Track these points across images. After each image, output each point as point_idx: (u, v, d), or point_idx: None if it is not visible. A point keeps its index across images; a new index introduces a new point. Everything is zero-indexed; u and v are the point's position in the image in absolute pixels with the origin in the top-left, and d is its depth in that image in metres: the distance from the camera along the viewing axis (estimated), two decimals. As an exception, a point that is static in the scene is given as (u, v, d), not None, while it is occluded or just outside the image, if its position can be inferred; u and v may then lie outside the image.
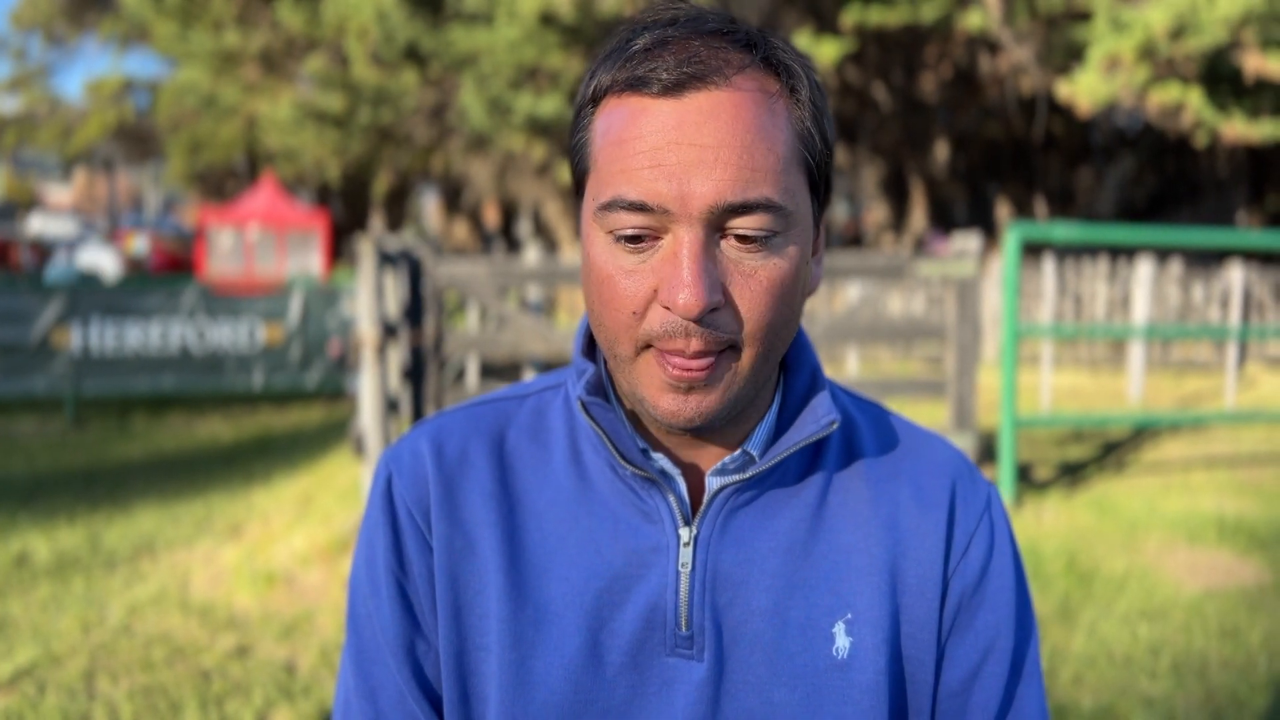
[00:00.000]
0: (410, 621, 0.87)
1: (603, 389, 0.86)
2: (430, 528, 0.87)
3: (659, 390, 0.77)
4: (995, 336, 12.13)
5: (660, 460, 0.84)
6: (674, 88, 0.74)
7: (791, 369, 0.89)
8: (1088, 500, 5.92)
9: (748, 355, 0.76)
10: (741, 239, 0.75)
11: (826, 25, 14.09)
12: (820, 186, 0.82)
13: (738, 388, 0.77)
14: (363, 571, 0.90)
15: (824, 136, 0.81)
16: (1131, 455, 7.19)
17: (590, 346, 0.90)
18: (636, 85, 0.75)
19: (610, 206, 0.75)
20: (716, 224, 0.74)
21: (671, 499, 0.83)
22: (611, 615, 0.83)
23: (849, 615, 0.83)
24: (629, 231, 0.75)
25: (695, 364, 0.75)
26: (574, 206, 0.86)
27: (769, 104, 0.76)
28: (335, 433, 8.30)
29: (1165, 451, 7.31)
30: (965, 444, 5.38)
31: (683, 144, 0.73)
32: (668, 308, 0.74)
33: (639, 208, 0.74)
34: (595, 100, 0.79)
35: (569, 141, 0.84)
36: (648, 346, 0.76)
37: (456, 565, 0.86)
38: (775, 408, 0.87)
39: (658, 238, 0.75)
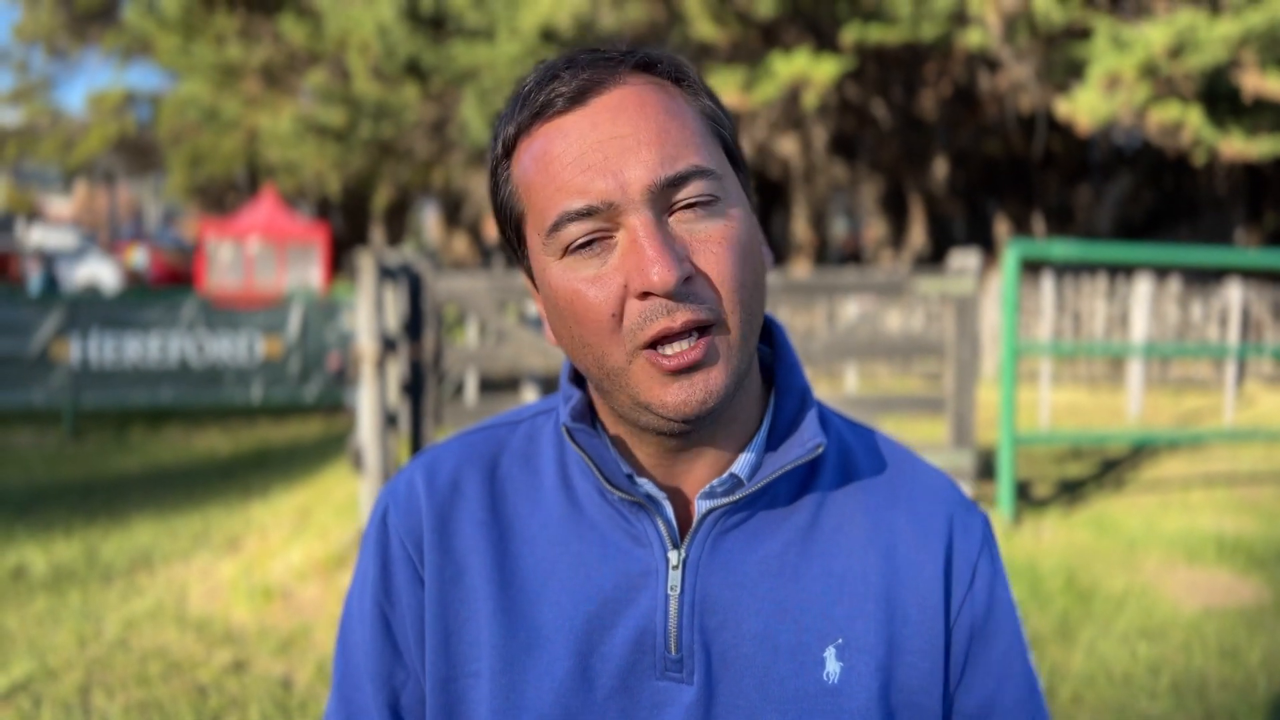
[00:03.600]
0: (391, 651, 0.89)
1: (588, 415, 0.87)
2: (423, 558, 0.88)
3: (662, 386, 0.77)
4: (994, 353, 12.13)
5: (646, 485, 0.84)
6: (577, 98, 0.77)
7: (781, 391, 0.89)
8: (1086, 518, 5.91)
9: (732, 323, 0.77)
10: (687, 206, 0.76)
11: (826, 43, 14.14)
12: (740, 163, 0.85)
13: (735, 360, 0.78)
14: (354, 600, 0.92)
15: (727, 116, 0.84)
16: (1130, 473, 7.18)
17: (577, 373, 0.91)
18: (542, 113, 0.78)
19: (558, 225, 0.77)
20: (660, 203, 0.76)
21: (660, 523, 0.84)
22: (601, 639, 0.83)
23: (840, 640, 0.83)
24: (583, 239, 0.76)
25: (690, 347, 0.75)
26: (520, 266, 0.88)
27: (665, 90, 0.80)
28: (333, 447, 8.29)
29: (1164, 469, 7.30)
30: (964, 461, 5.37)
31: (603, 140, 0.76)
32: (645, 293, 0.74)
33: (586, 213, 0.75)
34: (509, 152, 0.82)
35: (494, 205, 0.86)
36: (638, 350, 0.76)
37: (446, 593, 0.86)
38: (765, 430, 0.87)
39: (610, 236, 0.76)
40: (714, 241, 0.77)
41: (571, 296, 0.77)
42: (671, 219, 0.76)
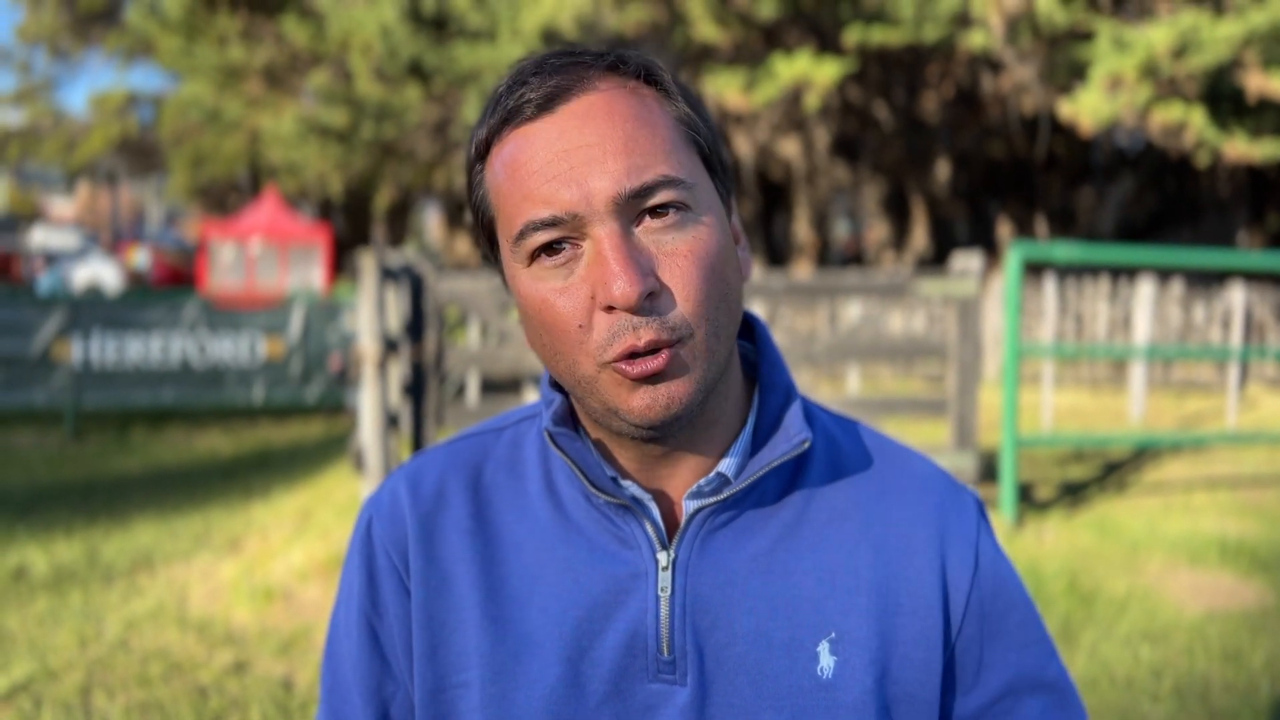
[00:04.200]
0: (379, 662, 0.89)
1: (570, 419, 0.87)
2: (408, 568, 0.88)
3: (628, 393, 0.76)
4: (996, 355, 12.12)
5: (630, 487, 0.84)
6: (545, 105, 0.77)
7: (765, 389, 0.89)
8: (1089, 520, 5.90)
9: (699, 335, 0.76)
10: (654, 214, 0.76)
11: (828, 44, 14.14)
12: (717, 168, 0.84)
13: (701, 370, 0.77)
14: (341, 611, 0.92)
15: (705, 120, 0.83)
16: (1133, 475, 7.17)
17: None
18: (511, 118, 0.78)
19: (523, 234, 0.77)
20: (628, 214, 0.75)
21: (647, 524, 0.83)
22: (592, 643, 0.83)
23: (833, 634, 0.83)
24: (545, 242, 0.76)
25: (654, 357, 0.75)
26: (497, 270, 0.87)
27: (637, 95, 0.79)
28: (335, 448, 8.29)
29: (1167, 472, 7.29)
30: (966, 463, 5.37)
31: (570, 149, 0.75)
32: (610, 307, 0.74)
33: (551, 223, 0.75)
34: (482, 156, 0.82)
35: (470, 208, 0.86)
36: (605, 364, 0.76)
37: (433, 603, 0.86)
38: (750, 427, 0.87)
39: (577, 246, 0.76)
40: (681, 255, 0.76)
41: (540, 306, 0.77)
42: (639, 229, 0.76)
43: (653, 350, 0.75)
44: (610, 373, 0.76)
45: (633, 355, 0.75)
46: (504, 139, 0.79)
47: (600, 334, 0.75)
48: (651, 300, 0.74)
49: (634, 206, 0.75)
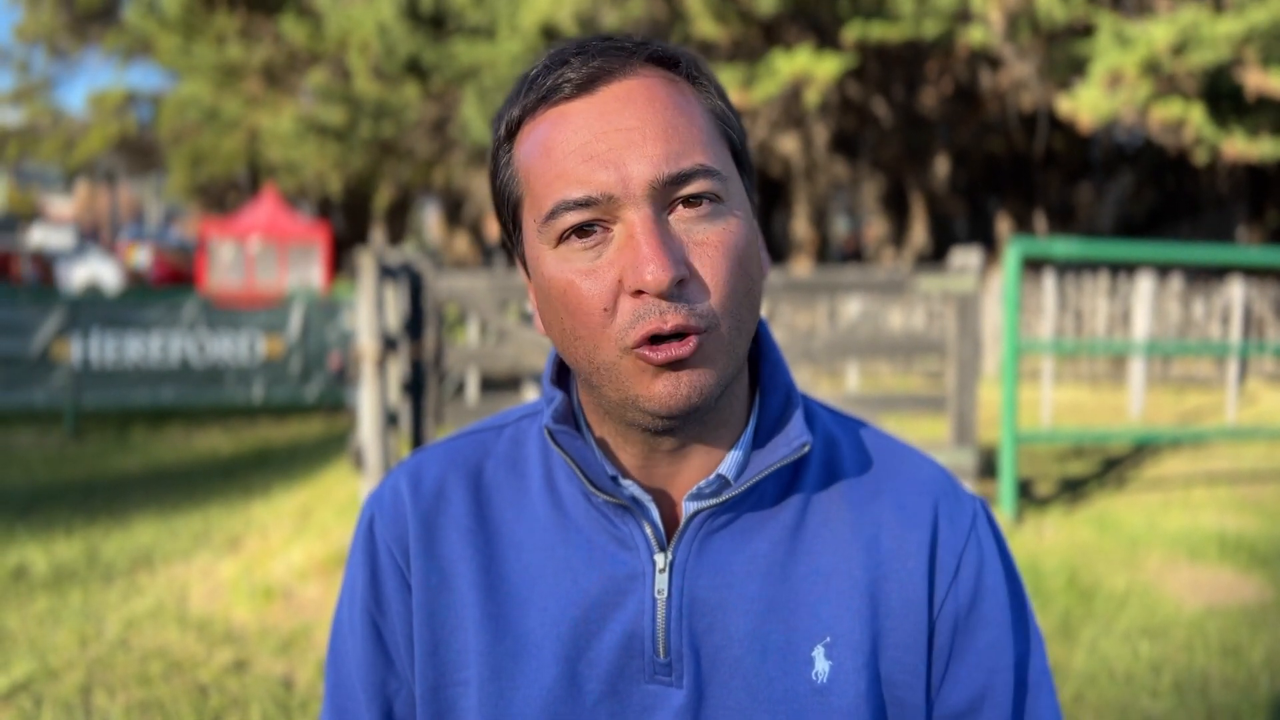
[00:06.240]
0: (383, 660, 0.89)
1: (571, 417, 0.86)
2: (409, 565, 0.88)
3: (650, 380, 0.75)
4: (996, 352, 12.12)
5: (630, 487, 0.83)
6: (586, 85, 0.76)
7: (766, 390, 0.88)
8: (1088, 516, 5.90)
9: (724, 327, 0.76)
10: (688, 203, 0.75)
11: (828, 40, 14.13)
12: (746, 166, 0.83)
13: (724, 363, 0.77)
14: (344, 609, 0.92)
15: (736, 118, 0.83)
16: (1132, 471, 7.17)
17: (559, 375, 0.90)
18: (548, 98, 0.77)
19: (554, 214, 0.75)
20: (662, 200, 0.75)
21: (646, 525, 0.83)
22: (589, 644, 0.83)
23: (828, 639, 0.82)
24: (577, 224, 0.75)
25: (680, 343, 0.74)
26: (514, 254, 0.87)
27: (676, 85, 0.79)
28: (334, 446, 8.29)
29: (1166, 467, 7.29)
30: (966, 460, 5.37)
31: (609, 131, 0.75)
32: (638, 291, 0.73)
33: (584, 204, 0.74)
34: (511, 135, 0.81)
35: (492, 189, 0.85)
36: (628, 349, 0.75)
37: (433, 601, 0.86)
38: (751, 429, 0.86)
39: (608, 229, 0.75)
40: (711, 245, 0.75)
41: (565, 287, 0.76)
42: (671, 217, 0.75)
43: (678, 335, 0.74)
44: (632, 359, 0.75)
45: (656, 340, 0.74)
46: (538, 117, 0.78)
47: (624, 317, 0.74)
48: (681, 287, 0.74)
49: (669, 193, 0.75)
